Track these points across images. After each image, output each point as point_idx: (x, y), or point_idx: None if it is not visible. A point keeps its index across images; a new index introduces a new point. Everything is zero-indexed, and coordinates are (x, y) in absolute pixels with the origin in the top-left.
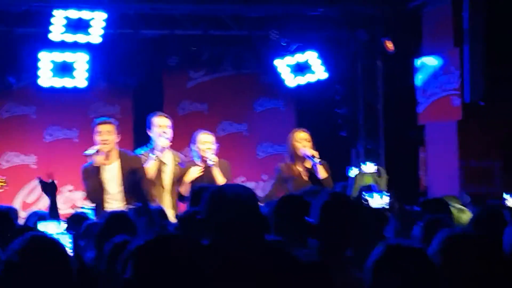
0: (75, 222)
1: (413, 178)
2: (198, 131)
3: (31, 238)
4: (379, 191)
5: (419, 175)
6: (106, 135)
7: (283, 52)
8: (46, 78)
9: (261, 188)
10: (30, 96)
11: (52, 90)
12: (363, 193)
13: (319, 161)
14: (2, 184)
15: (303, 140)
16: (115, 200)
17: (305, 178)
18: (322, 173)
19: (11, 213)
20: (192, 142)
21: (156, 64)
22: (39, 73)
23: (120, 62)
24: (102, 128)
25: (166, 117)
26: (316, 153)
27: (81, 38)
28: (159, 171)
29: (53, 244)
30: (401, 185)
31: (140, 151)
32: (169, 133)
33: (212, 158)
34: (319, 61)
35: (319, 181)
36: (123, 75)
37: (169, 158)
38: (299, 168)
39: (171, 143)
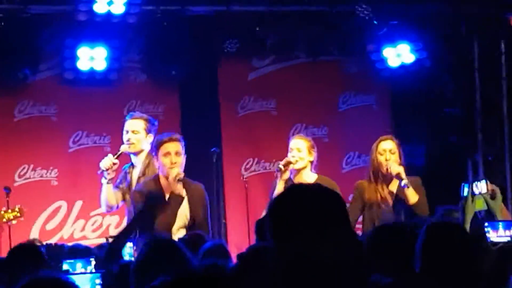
0: (109, 257)
1: None
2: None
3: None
4: (505, 222)
5: None
6: (173, 158)
7: (374, 33)
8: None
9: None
10: (51, 93)
11: (78, 84)
12: (484, 223)
13: (405, 184)
14: (16, 215)
15: (387, 151)
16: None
17: (389, 204)
18: (412, 197)
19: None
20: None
21: (209, 51)
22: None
23: (163, 48)
24: (167, 148)
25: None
26: (402, 170)
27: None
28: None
29: None
30: None
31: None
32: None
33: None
34: (421, 45)
35: (408, 208)
36: (167, 65)
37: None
38: (381, 190)
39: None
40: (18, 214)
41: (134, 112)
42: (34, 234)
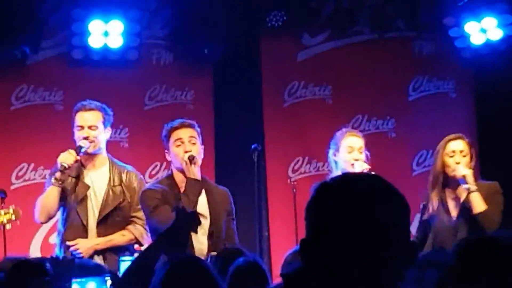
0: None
1: None
2: (342, 129)
3: None
4: None
5: None
6: (187, 144)
7: (453, 3)
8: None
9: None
10: (55, 76)
11: (89, 65)
12: None
13: (469, 188)
14: (9, 218)
15: (457, 153)
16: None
17: (451, 215)
18: (478, 205)
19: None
20: (332, 142)
21: (249, 25)
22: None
23: (194, 21)
24: (178, 134)
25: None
26: (470, 173)
27: None
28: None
29: None
30: None
31: None
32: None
33: None
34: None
35: (473, 219)
36: (199, 43)
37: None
38: (445, 198)
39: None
40: (13, 217)
41: (85, 102)
42: (34, 248)
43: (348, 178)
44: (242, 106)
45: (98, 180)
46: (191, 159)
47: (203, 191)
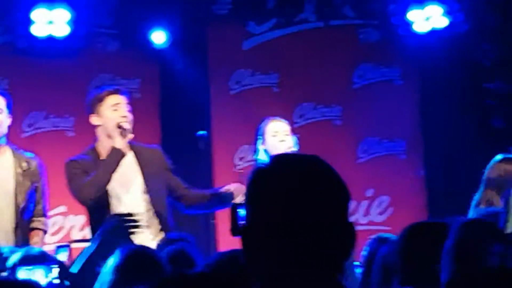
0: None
1: None
2: (266, 118)
3: None
4: None
5: None
6: (124, 110)
7: None
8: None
9: (363, 211)
10: (0, 64)
11: (33, 54)
12: None
13: None
14: None
15: None
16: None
17: None
18: None
19: None
20: (258, 134)
21: (196, 13)
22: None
23: (140, 9)
24: (116, 99)
25: None
26: None
27: None
28: None
29: None
30: None
31: None
32: None
33: None
34: (456, 5)
35: None
36: (145, 31)
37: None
38: None
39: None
40: None
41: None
42: None
43: (284, 160)
44: (189, 94)
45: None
46: (124, 129)
47: (132, 153)
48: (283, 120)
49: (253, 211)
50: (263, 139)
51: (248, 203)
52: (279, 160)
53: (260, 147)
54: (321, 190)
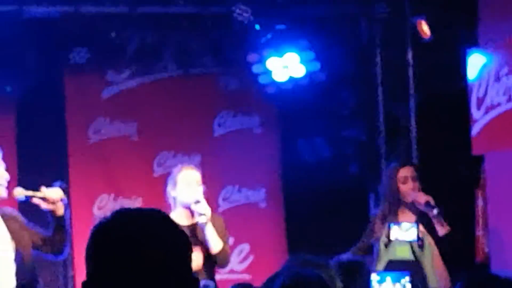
0: None
1: (467, 241)
2: (180, 164)
3: None
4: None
5: (475, 235)
6: None
7: (255, 40)
8: None
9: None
10: None
11: None
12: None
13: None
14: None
15: (409, 179)
16: None
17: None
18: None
19: None
20: (169, 181)
21: (53, 61)
22: None
23: None
24: None
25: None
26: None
27: None
28: None
29: None
30: (448, 253)
31: None
32: None
33: (203, 211)
34: (313, 54)
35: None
36: (1, 81)
37: None
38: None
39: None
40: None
41: None
42: None
43: (124, 214)
44: (47, 144)
45: None
46: None
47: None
48: (194, 167)
49: (94, 265)
50: (174, 185)
51: (88, 258)
52: (119, 214)
53: (171, 194)
54: (162, 244)
